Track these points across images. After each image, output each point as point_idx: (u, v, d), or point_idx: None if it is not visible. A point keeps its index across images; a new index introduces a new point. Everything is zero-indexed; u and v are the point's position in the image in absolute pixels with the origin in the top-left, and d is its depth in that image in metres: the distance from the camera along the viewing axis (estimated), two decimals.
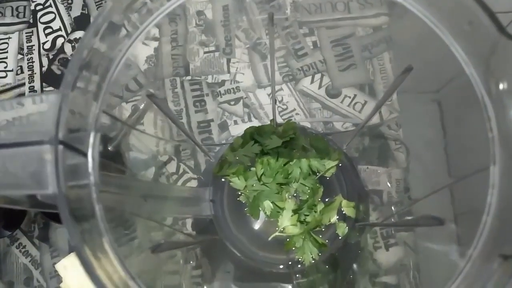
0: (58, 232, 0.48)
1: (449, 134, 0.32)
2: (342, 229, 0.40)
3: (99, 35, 0.21)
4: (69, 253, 0.42)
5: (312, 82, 0.49)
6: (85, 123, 0.21)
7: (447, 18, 0.21)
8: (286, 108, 0.49)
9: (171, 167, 0.47)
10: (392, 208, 0.45)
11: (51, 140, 0.19)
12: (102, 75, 0.22)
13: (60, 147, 0.19)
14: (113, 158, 0.35)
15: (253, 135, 0.41)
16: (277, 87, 0.49)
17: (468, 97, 0.25)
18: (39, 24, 0.54)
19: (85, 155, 0.21)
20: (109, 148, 0.41)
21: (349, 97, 0.48)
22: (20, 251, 0.48)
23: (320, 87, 0.49)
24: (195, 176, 0.46)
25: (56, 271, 0.46)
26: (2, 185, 0.19)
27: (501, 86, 0.20)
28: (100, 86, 0.21)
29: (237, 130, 0.47)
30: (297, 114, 0.48)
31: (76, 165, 0.21)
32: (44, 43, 0.54)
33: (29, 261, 0.48)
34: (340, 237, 0.40)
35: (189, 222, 0.44)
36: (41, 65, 0.53)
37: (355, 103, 0.48)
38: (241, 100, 0.49)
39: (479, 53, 0.20)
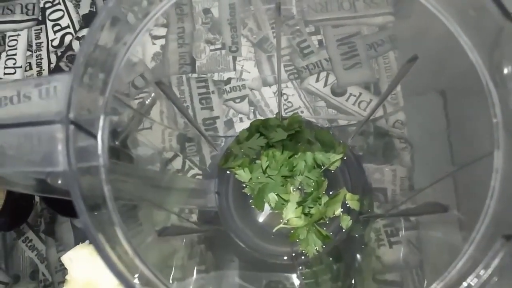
0: (64, 226, 0.48)
1: (452, 124, 0.32)
2: (346, 222, 0.40)
3: (104, 29, 0.21)
4: (75, 246, 0.43)
5: (317, 80, 0.49)
6: (96, 106, 0.21)
7: (452, 4, 0.21)
8: (291, 106, 0.49)
9: (177, 164, 0.47)
10: (397, 205, 0.45)
11: (63, 120, 0.19)
12: (108, 70, 0.22)
13: (71, 127, 0.19)
14: (120, 149, 0.35)
15: (258, 128, 0.41)
16: (282, 85, 0.49)
17: (471, 85, 0.25)
18: (47, 21, 0.55)
19: (95, 137, 0.21)
20: (116, 143, 0.42)
21: (354, 95, 0.48)
22: (26, 245, 0.48)
23: (325, 85, 0.49)
24: (200, 172, 0.46)
25: (61, 265, 0.46)
26: (15, 163, 0.19)
27: (505, 71, 0.20)
28: (106, 81, 0.22)
29: (242, 127, 0.47)
30: (302, 112, 0.49)
31: (86, 147, 0.21)
32: (52, 40, 0.54)
33: (35, 255, 0.48)
34: (344, 230, 0.40)
35: (195, 213, 0.44)
36: (49, 62, 0.54)
37: (360, 102, 0.48)
38: (247, 98, 0.50)
39: (484, 39, 0.21)
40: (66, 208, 0.44)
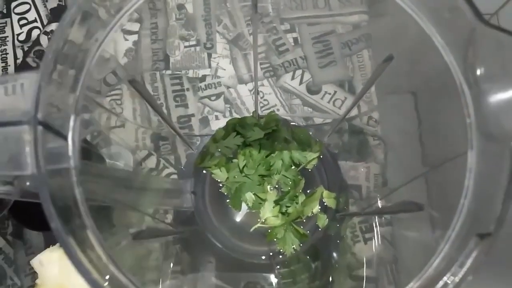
0: None
1: (423, 124, 0.33)
2: (322, 221, 0.40)
3: (74, 24, 0.20)
4: (45, 249, 0.41)
5: (293, 78, 0.49)
6: (66, 105, 0.20)
7: (427, 5, 0.22)
8: (268, 104, 0.49)
9: (151, 163, 0.47)
10: (371, 202, 0.45)
11: (30, 120, 0.18)
12: (79, 67, 0.21)
13: (40, 127, 0.18)
14: (90, 149, 0.34)
15: (235, 127, 0.41)
16: (258, 83, 0.49)
17: (444, 86, 0.25)
18: (13, 14, 0.53)
19: (65, 138, 0.20)
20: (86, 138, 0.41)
21: (329, 93, 0.49)
22: None
23: (300, 83, 0.49)
24: (175, 171, 0.46)
25: (31, 268, 0.45)
26: None
27: (478, 72, 0.20)
28: (77, 78, 0.21)
29: (218, 125, 0.47)
30: (278, 110, 0.49)
31: (56, 149, 0.20)
32: (18, 35, 0.52)
33: (2, 259, 0.46)
34: (320, 229, 0.41)
35: (170, 213, 0.43)
36: (15, 57, 0.52)
37: (335, 100, 0.49)
38: (223, 95, 0.49)
39: (458, 40, 0.21)
40: (33, 221, 0.43)
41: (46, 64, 0.19)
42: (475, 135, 0.21)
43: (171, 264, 0.42)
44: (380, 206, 0.42)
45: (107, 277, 0.19)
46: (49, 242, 0.45)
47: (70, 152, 0.20)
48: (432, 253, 0.20)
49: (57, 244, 0.41)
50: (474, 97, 0.21)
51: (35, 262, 0.40)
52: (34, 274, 0.44)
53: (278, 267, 0.40)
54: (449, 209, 0.21)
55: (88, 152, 0.31)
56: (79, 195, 0.20)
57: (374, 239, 0.44)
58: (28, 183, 0.23)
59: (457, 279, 0.18)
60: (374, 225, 0.44)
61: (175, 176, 0.46)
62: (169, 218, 0.43)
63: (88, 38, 0.22)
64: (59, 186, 0.19)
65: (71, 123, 0.21)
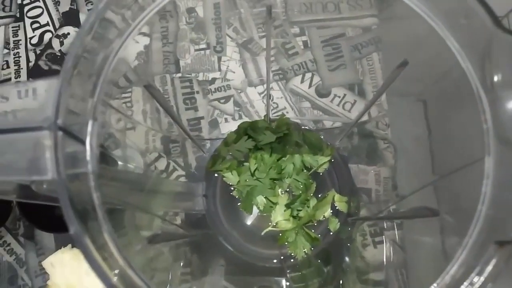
0: None
1: (433, 133, 0.33)
2: (334, 225, 0.40)
3: (92, 32, 0.20)
4: (56, 250, 0.42)
5: (302, 81, 0.49)
6: (84, 110, 0.21)
7: (444, 12, 0.22)
8: (277, 107, 0.49)
9: (161, 165, 0.47)
10: (381, 206, 0.45)
11: (50, 126, 0.18)
12: (98, 71, 0.22)
13: (59, 133, 0.18)
14: (105, 152, 0.34)
15: (246, 130, 0.41)
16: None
17: (457, 91, 0.25)
18: (26, 18, 0.53)
19: (83, 142, 0.20)
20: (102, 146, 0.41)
21: (339, 96, 0.49)
22: (4, 249, 0.47)
23: (310, 86, 0.49)
24: (184, 173, 0.46)
25: (42, 269, 0.45)
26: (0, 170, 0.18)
27: (495, 78, 0.20)
28: (95, 84, 0.21)
29: (228, 128, 0.47)
30: (287, 112, 0.49)
31: (74, 153, 0.20)
32: (31, 38, 0.53)
33: (14, 260, 0.47)
34: (331, 233, 0.40)
35: (181, 216, 0.43)
36: (28, 60, 0.52)
37: (345, 103, 0.49)
38: (232, 98, 0.49)
39: (475, 46, 0.21)
40: (44, 222, 0.43)
41: (65, 70, 0.19)
42: (493, 141, 0.21)
43: (181, 266, 0.42)
44: (391, 211, 0.42)
45: (123, 280, 0.19)
46: (60, 243, 0.45)
47: (88, 157, 0.20)
48: (444, 259, 0.20)
49: (68, 246, 0.42)
50: (491, 102, 0.21)
51: (46, 263, 0.40)
52: (45, 275, 0.44)
53: (289, 271, 0.40)
54: (465, 215, 0.21)
55: (104, 155, 0.31)
56: (96, 200, 0.20)
57: (384, 243, 0.44)
58: (44, 186, 0.23)
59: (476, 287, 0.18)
60: (384, 228, 0.44)
61: (183, 178, 0.46)
62: (179, 220, 0.43)
63: (105, 45, 0.22)
64: (77, 191, 0.19)
65: (89, 128, 0.21)
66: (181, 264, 0.42)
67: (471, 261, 0.19)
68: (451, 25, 0.22)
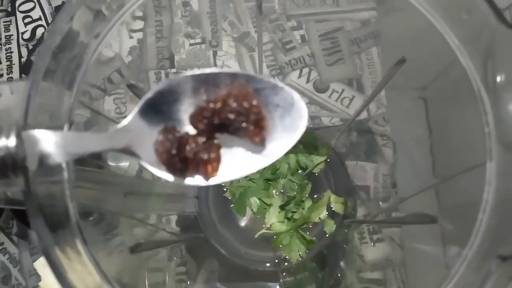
0: None
1: (435, 133, 0.32)
2: (330, 227, 0.39)
3: (74, 19, 0.19)
4: None
5: (300, 76, 0.48)
6: (58, 113, 0.19)
7: (444, 6, 0.20)
8: None
9: None
10: (380, 203, 0.44)
11: (19, 130, 0.17)
12: (77, 63, 0.20)
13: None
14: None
15: None
16: None
17: (458, 91, 0.24)
18: (17, 12, 0.52)
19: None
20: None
21: (337, 92, 0.48)
22: None
23: (308, 81, 0.48)
24: None
25: (35, 268, 0.44)
26: None
27: (498, 78, 0.19)
28: (74, 74, 0.19)
29: None
30: None
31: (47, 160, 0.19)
32: (23, 33, 0.52)
33: (7, 259, 0.46)
34: (327, 235, 0.40)
35: (173, 219, 0.43)
36: (20, 56, 0.51)
37: (343, 98, 0.48)
38: None
39: (477, 43, 0.20)
40: None
41: (36, 71, 0.18)
42: (495, 145, 0.19)
43: (176, 265, 0.41)
44: (390, 214, 0.41)
45: None
46: None
47: (64, 164, 0.19)
48: (440, 263, 0.19)
49: None
50: (493, 104, 0.20)
51: (38, 264, 0.40)
52: (38, 275, 0.43)
53: (283, 274, 0.39)
54: (465, 223, 0.20)
55: (84, 158, 0.30)
56: (72, 210, 0.19)
57: (383, 241, 0.43)
58: (12, 191, 0.22)
59: None
60: (382, 226, 0.43)
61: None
62: (173, 226, 0.42)
63: (87, 34, 0.20)
64: (51, 200, 0.18)
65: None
66: (177, 263, 0.41)
67: (472, 274, 0.18)
68: (451, 19, 0.21)
